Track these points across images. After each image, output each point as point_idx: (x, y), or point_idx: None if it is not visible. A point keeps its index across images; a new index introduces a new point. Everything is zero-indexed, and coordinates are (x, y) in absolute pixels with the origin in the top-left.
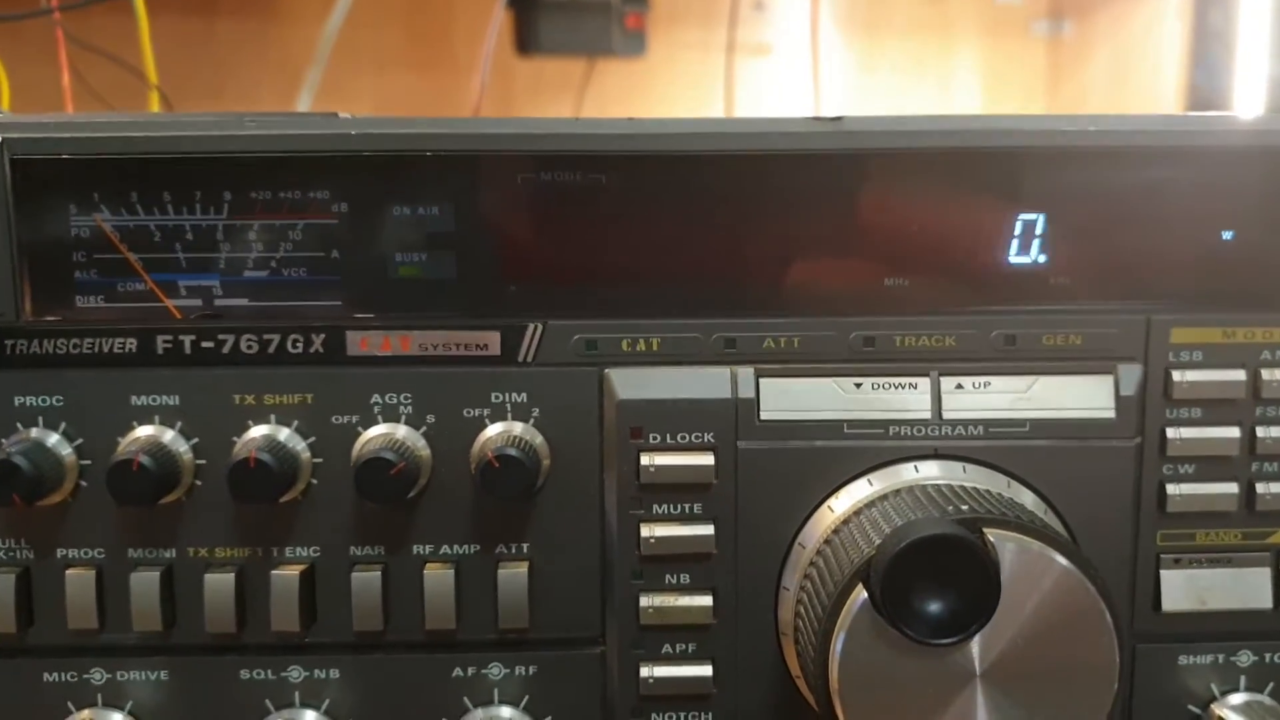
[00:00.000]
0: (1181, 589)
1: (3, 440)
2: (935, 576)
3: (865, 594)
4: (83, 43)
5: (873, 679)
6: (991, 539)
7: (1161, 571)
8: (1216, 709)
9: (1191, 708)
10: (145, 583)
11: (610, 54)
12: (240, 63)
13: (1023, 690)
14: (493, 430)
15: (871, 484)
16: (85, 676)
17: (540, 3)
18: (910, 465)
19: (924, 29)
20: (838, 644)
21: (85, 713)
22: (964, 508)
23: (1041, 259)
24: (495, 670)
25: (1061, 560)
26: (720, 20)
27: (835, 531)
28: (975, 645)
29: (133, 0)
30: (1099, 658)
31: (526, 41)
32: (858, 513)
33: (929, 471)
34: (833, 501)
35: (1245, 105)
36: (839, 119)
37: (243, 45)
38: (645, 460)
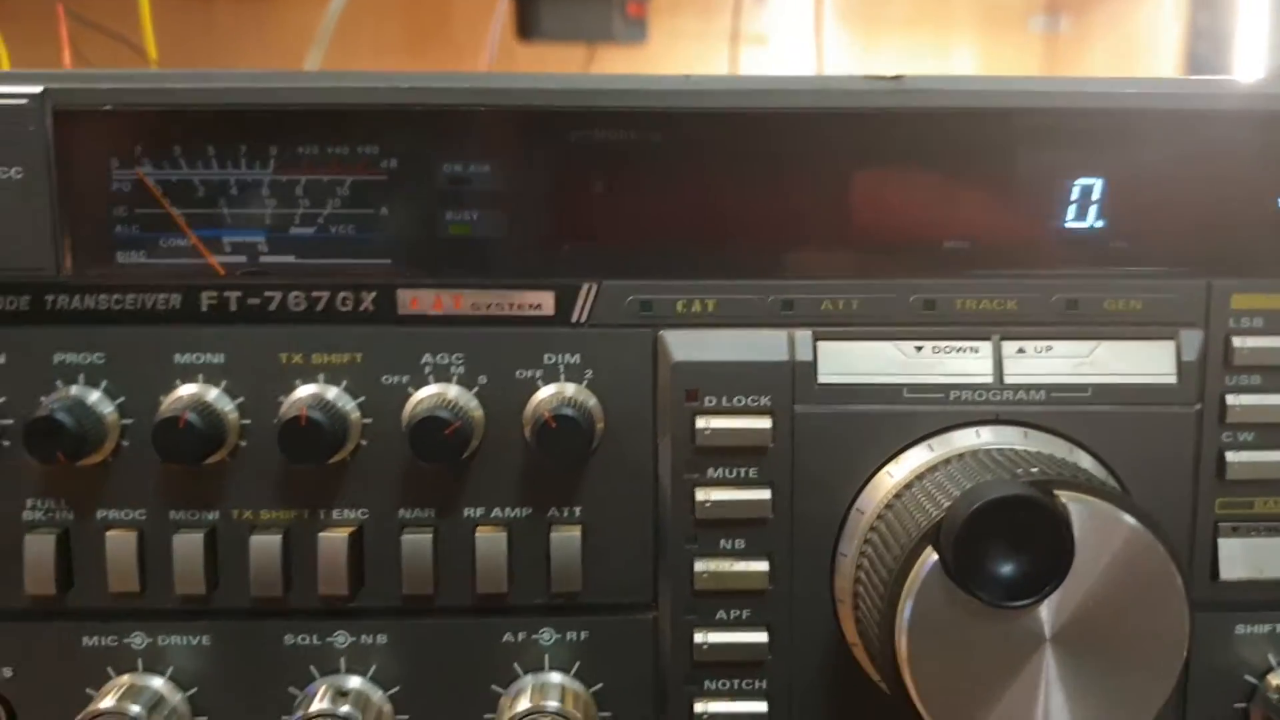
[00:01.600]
0: (1239, 557)
1: (43, 398)
2: (1007, 539)
3: (934, 558)
4: (84, 21)
5: (941, 645)
6: (1063, 500)
7: (1219, 540)
8: (1274, 679)
9: (1248, 677)
10: (188, 545)
11: (611, 41)
12: (240, 46)
13: (1093, 654)
14: (545, 392)
15: (932, 449)
16: (126, 641)
17: None
18: (971, 430)
19: (923, 22)
20: (905, 610)
21: (125, 678)
22: (1034, 470)
23: (1100, 223)
24: (546, 635)
25: (1132, 522)
26: (721, 9)
27: (897, 496)
28: (1046, 609)
29: None
30: (1169, 621)
31: (528, 27)
32: (919, 478)
33: (990, 437)
34: (891, 467)
35: None
36: (898, 78)
37: (242, 28)
38: (701, 423)
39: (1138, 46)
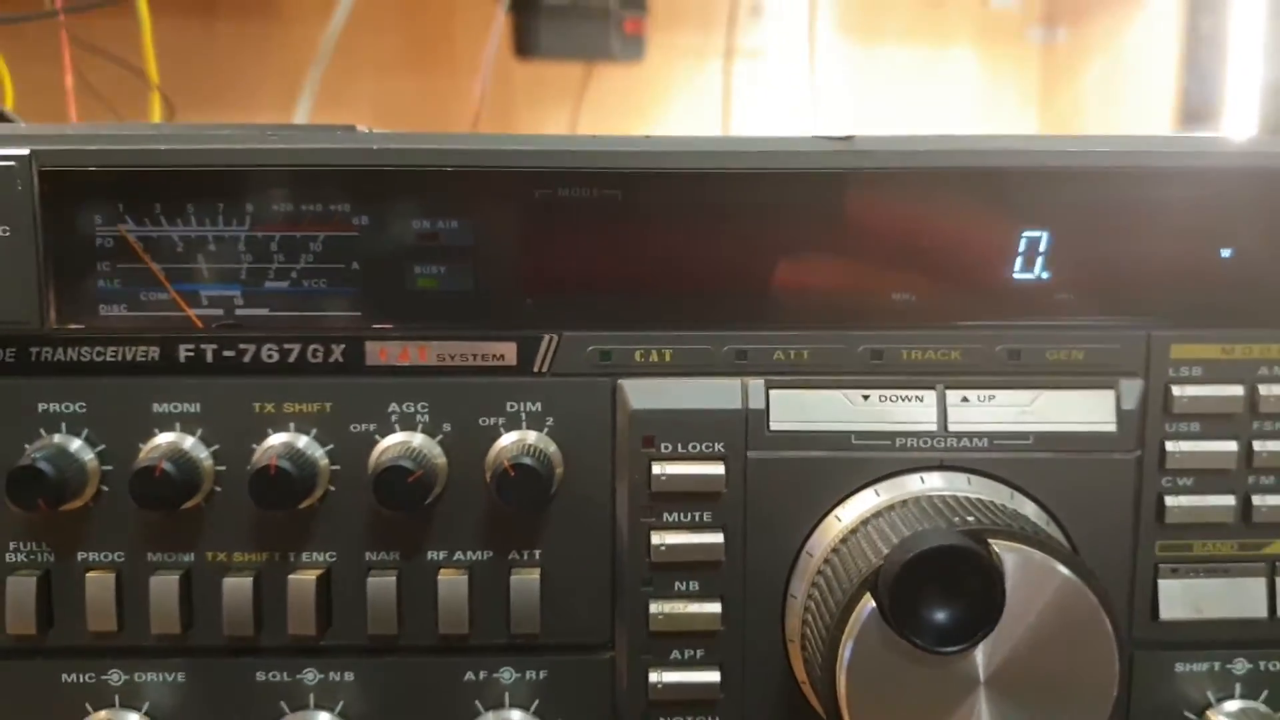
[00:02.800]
0: (1179, 598)
1: (26, 446)
2: (941, 586)
3: (873, 603)
4: (86, 44)
5: (879, 686)
6: (996, 549)
7: (1159, 581)
8: (1212, 716)
9: (1188, 714)
10: (164, 586)
11: (609, 58)
12: (241, 65)
13: (1025, 696)
14: (507, 439)
15: (878, 494)
16: (103, 677)
17: (540, 7)
18: (916, 476)
19: (920, 34)
20: (845, 652)
21: (103, 713)
22: (970, 519)
23: (1045, 275)
24: (506, 674)
25: (1064, 570)
26: (718, 25)
27: (843, 541)
28: (980, 653)
29: (136, 2)
30: (1099, 665)
31: (526, 45)
32: (865, 522)
33: (935, 483)
34: (840, 511)
35: (1237, 112)
36: (849, 138)
37: (243, 48)
38: (657, 469)
39: (1136, 57)
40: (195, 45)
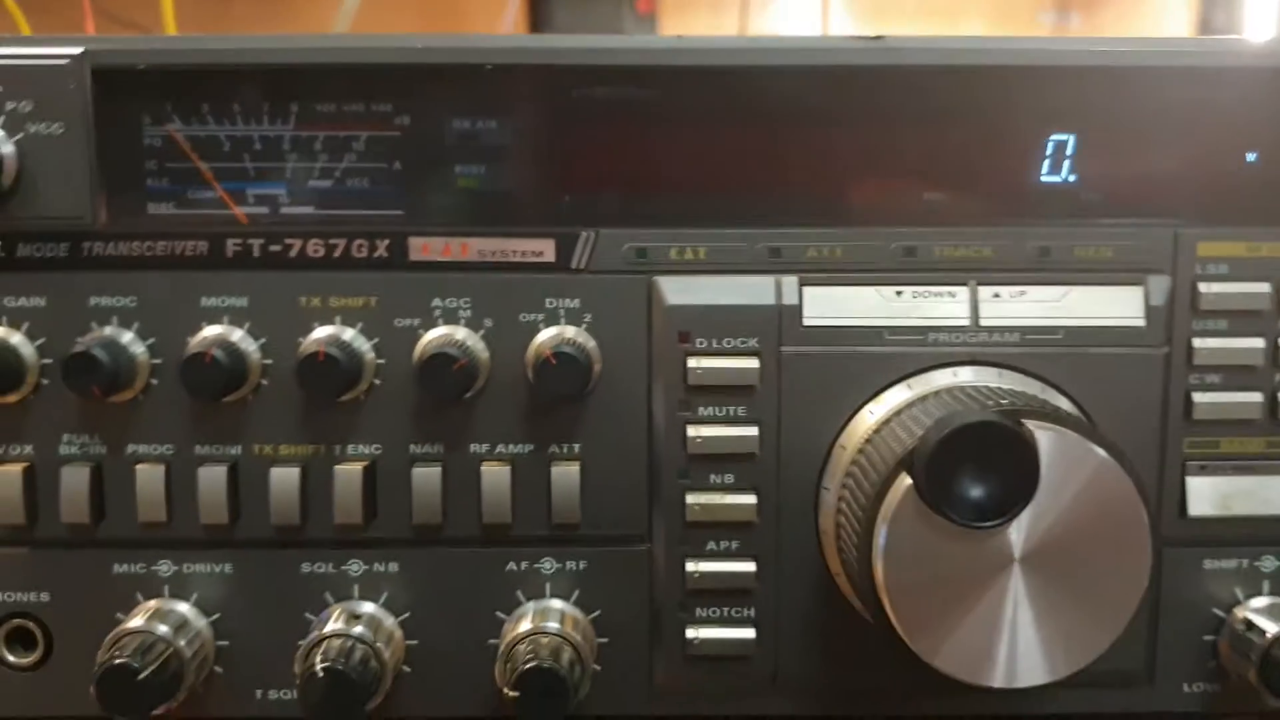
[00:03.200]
0: (1207, 495)
1: (79, 338)
2: (977, 464)
3: (908, 482)
4: (110, 16)
5: (915, 567)
6: (1031, 428)
7: (1187, 478)
8: (1240, 612)
9: (1216, 611)
10: (212, 477)
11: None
12: None
13: (1060, 576)
14: (546, 334)
15: (911, 388)
16: (153, 568)
17: None
18: (948, 371)
19: (932, 17)
20: (881, 533)
21: (152, 602)
22: (1004, 402)
23: (1072, 176)
24: (547, 565)
25: (1100, 452)
26: (730, 5)
27: (876, 432)
28: (1014, 532)
29: None
30: (1133, 544)
31: (540, 22)
32: (897, 414)
33: (967, 376)
34: (872, 405)
35: None
36: (880, 38)
37: (259, 22)
38: (692, 364)
39: None
40: (213, 20)
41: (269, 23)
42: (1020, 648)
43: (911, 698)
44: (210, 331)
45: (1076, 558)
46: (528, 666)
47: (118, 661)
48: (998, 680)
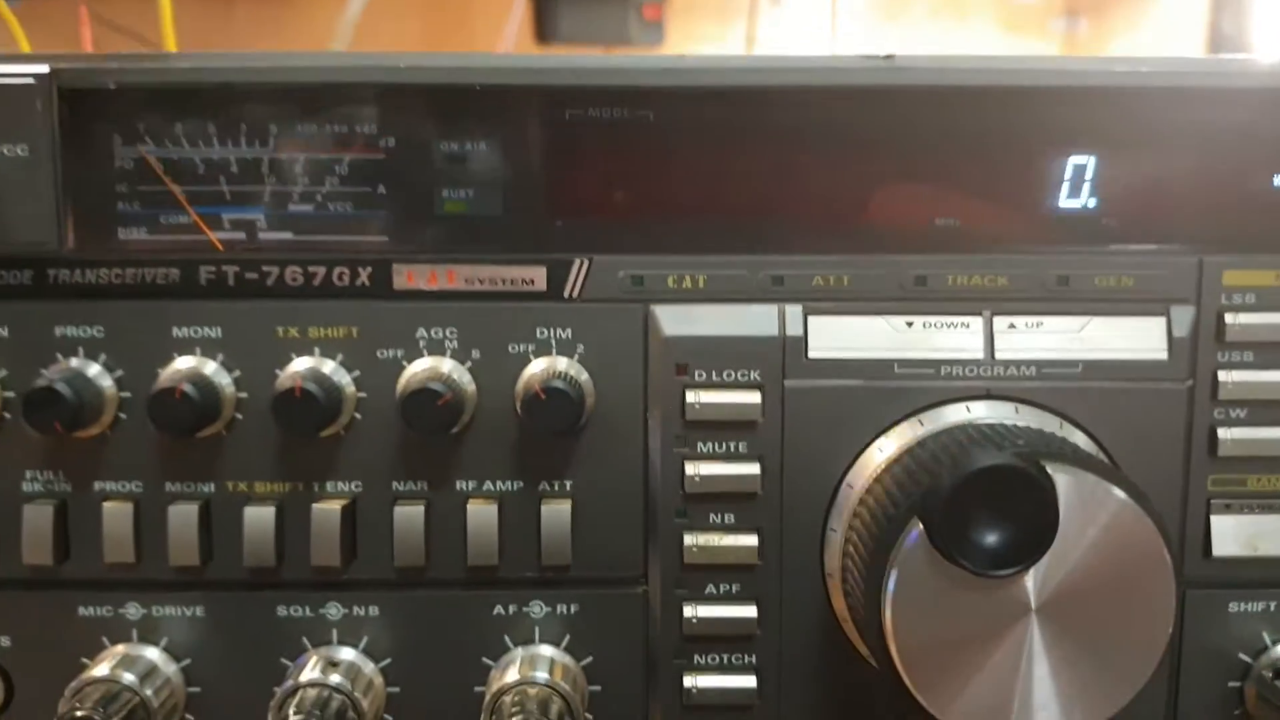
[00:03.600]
0: (1232, 535)
1: (43, 370)
2: (992, 508)
3: (919, 528)
4: (107, 23)
5: (926, 615)
6: (1050, 471)
7: (1212, 517)
8: (1267, 657)
9: (1242, 656)
10: (183, 516)
11: (628, 44)
12: (259, 46)
13: (1078, 626)
14: (537, 366)
15: (922, 424)
16: (120, 611)
17: None
18: (962, 406)
19: (942, 24)
20: (890, 579)
21: (120, 647)
22: (1020, 442)
23: (1092, 201)
24: (537, 608)
25: (1120, 495)
26: (737, 13)
27: (886, 470)
28: (1031, 579)
29: None
30: (1156, 595)
31: (546, 30)
32: (909, 451)
33: (981, 412)
34: (882, 441)
35: None
36: (890, 57)
37: (261, 28)
38: (691, 397)
39: (1157, 49)
40: (214, 27)
41: (271, 33)
42: (1036, 702)
43: None
44: (182, 364)
45: (1096, 605)
46: None
47: (79, 714)
48: None
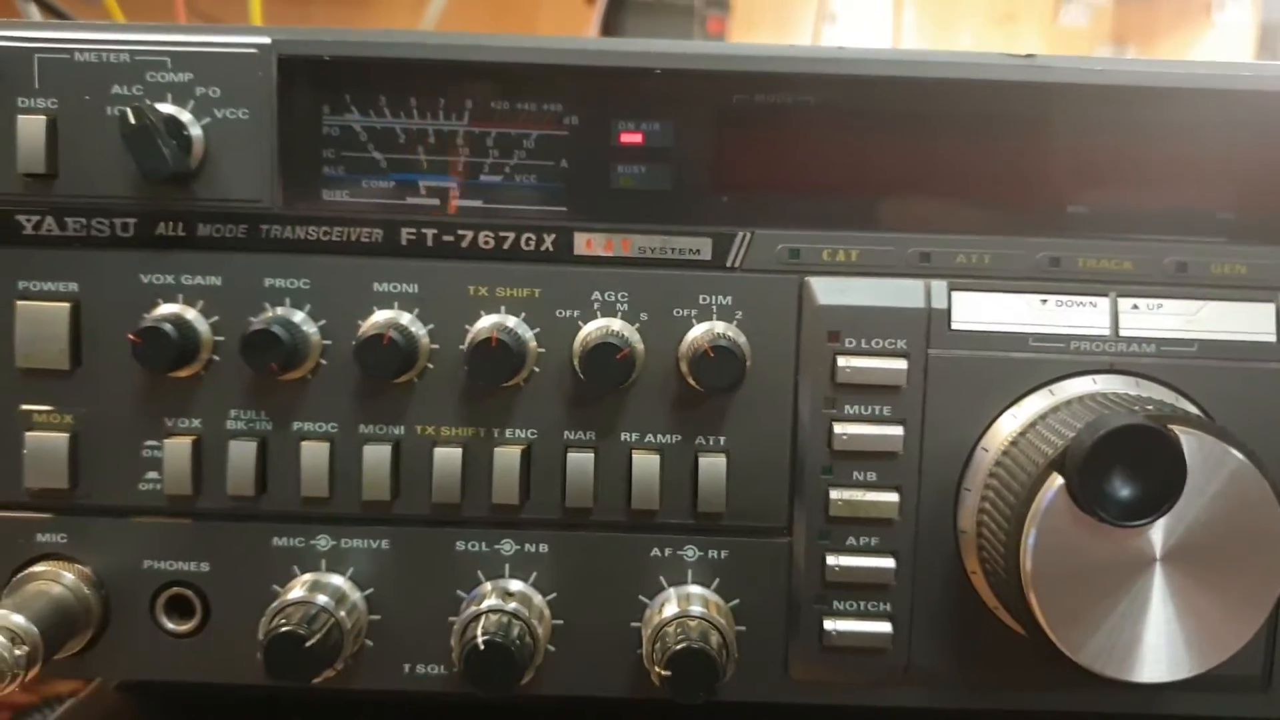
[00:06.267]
0: None
1: (252, 319)
2: (1125, 465)
3: (1058, 483)
4: (201, 14)
5: (1062, 563)
6: (1177, 432)
7: None
8: None
9: None
10: (376, 456)
11: None
12: None
13: (1198, 574)
14: (699, 329)
15: (1052, 394)
16: (312, 542)
17: (625, 3)
18: (1088, 378)
19: (991, 46)
20: (1030, 533)
21: (309, 575)
22: (1149, 407)
23: (1209, 197)
24: (690, 552)
25: (1238, 455)
26: (799, 26)
27: (1021, 435)
28: (1156, 532)
29: None
30: (1268, 544)
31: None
32: (1043, 417)
33: (1105, 385)
34: (1015, 409)
35: None
36: (1031, 55)
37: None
38: (841, 362)
39: None
40: (293, 22)
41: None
42: (1162, 643)
43: (1040, 692)
44: (381, 316)
45: (1214, 557)
46: (680, 647)
47: (285, 629)
48: (1140, 675)
